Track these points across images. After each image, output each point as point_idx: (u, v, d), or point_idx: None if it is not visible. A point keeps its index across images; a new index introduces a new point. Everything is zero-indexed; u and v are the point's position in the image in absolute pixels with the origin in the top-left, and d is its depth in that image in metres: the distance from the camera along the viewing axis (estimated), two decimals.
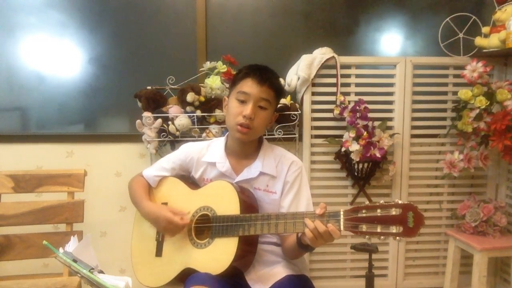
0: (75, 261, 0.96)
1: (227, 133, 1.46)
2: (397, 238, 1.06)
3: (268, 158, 1.41)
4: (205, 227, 1.34)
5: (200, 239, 1.33)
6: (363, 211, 1.09)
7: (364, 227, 1.09)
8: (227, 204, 1.30)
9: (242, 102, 1.33)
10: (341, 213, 1.12)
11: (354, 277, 2.23)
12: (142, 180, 1.51)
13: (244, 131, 1.32)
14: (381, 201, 1.09)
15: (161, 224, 1.34)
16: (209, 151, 1.46)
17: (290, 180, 1.38)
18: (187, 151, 1.49)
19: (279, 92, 1.40)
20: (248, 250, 1.31)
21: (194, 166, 1.47)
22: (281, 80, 2.10)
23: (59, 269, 1.74)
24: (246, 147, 1.41)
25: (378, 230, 1.08)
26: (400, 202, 1.07)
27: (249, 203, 1.34)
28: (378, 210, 1.08)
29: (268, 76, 1.35)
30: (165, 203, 1.45)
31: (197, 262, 1.30)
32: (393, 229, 1.06)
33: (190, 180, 1.50)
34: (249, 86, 1.32)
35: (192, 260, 1.31)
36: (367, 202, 1.12)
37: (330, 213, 1.14)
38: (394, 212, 1.07)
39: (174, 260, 1.35)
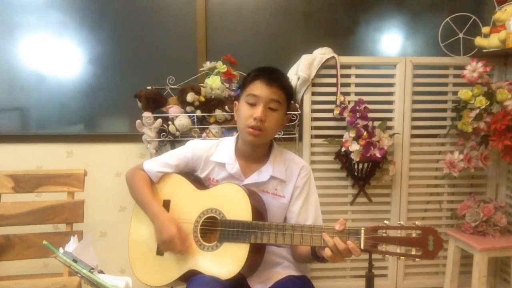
0: (75, 261, 0.96)
1: (238, 134, 1.44)
2: (416, 259, 1.07)
3: (278, 162, 1.39)
4: (211, 230, 1.32)
5: (206, 242, 1.31)
6: (384, 230, 1.09)
7: (384, 247, 1.09)
8: (238, 208, 1.28)
9: (252, 104, 1.31)
10: (362, 231, 1.11)
11: (354, 277, 2.23)
12: (145, 175, 1.45)
13: (255, 134, 1.30)
14: (402, 222, 1.10)
15: (162, 236, 1.30)
16: (218, 151, 1.43)
17: (300, 185, 1.37)
18: (195, 148, 1.45)
19: (290, 93, 1.38)
20: (257, 257, 1.29)
21: (201, 165, 1.43)
22: None
23: (59, 269, 1.74)
24: (257, 150, 1.39)
25: (398, 251, 1.08)
26: (421, 225, 1.08)
27: (259, 208, 1.32)
28: (399, 231, 1.09)
29: (277, 77, 1.33)
30: (168, 201, 1.42)
31: (203, 265, 1.27)
32: (413, 251, 1.07)
33: (193, 178, 1.47)
34: (258, 88, 1.31)
35: (198, 262, 1.29)
36: (386, 221, 1.11)
37: (350, 230, 1.13)
38: (414, 234, 1.07)
39: (177, 261, 1.32)
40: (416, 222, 1.09)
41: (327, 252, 1.13)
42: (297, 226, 1.21)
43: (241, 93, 1.38)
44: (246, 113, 1.31)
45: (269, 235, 1.22)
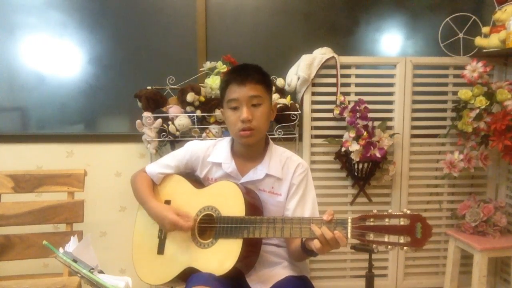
0: (75, 261, 0.96)
1: None
2: (405, 248, 1.06)
3: (274, 160, 1.39)
4: (209, 227, 1.34)
5: (203, 239, 1.32)
6: (371, 219, 1.09)
7: (371, 236, 1.08)
8: (232, 205, 1.30)
9: (235, 108, 1.32)
10: (349, 220, 1.12)
11: (354, 277, 2.23)
12: (146, 177, 1.49)
13: (247, 134, 1.31)
14: (389, 211, 1.09)
15: (166, 227, 1.34)
16: (215, 151, 1.45)
17: (296, 183, 1.37)
18: (193, 149, 1.47)
19: (267, 83, 1.37)
20: (251, 252, 1.30)
21: (199, 165, 1.46)
22: (281, 80, 2.12)
23: (59, 269, 1.74)
24: (253, 149, 1.40)
25: (386, 239, 1.07)
26: (408, 212, 1.07)
27: (254, 204, 1.33)
28: (386, 219, 1.08)
29: (247, 73, 1.32)
30: (169, 201, 1.44)
31: (199, 262, 1.29)
32: (401, 239, 1.06)
33: (193, 178, 1.49)
34: (233, 91, 1.32)
35: (195, 259, 1.31)
36: (375, 210, 1.10)
37: (338, 220, 1.13)
38: (402, 222, 1.07)
39: (176, 259, 1.35)
40: (404, 210, 1.08)
41: (315, 244, 1.14)
42: (287, 219, 1.22)
43: (222, 101, 1.40)
44: (233, 118, 1.33)
45: (261, 229, 1.23)
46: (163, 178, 1.49)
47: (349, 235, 1.11)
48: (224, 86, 1.36)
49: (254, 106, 1.32)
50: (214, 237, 1.30)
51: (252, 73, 1.33)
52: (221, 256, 1.26)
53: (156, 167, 1.49)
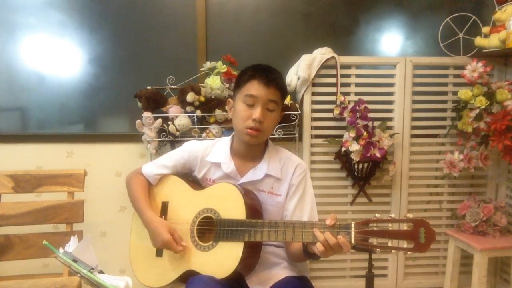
0: (75, 261, 0.96)
1: (233, 133, 1.44)
2: (408, 253, 1.06)
3: (274, 160, 1.39)
4: (208, 229, 1.33)
5: (203, 242, 1.31)
6: (374, 224, 1.09)
7: (375, 241, 1.08)
8: (232, 207, 1.29)
9: (250, 105, 1.31)
10: (352, 225, 1.11)
11: (354, 277, 2.23)
12: (142, 179, 1.47)
13: (254, 134, 1.31)
14: (392, 215, 1.09)
15: (157, 244, 1.32)
16: (214, 151, 1.43)
17: (295, 183, 1.37)
18: (191, 149, 1.46)
19: (285, 92, 1.39)
20: (252, 255, 1.30)
21: (197, 165, 1.44)
22: None
23: (59, 269, 1.74)
24: (252, 149, 1.40)
25: (389, 244, 1.07)
26: (412, 217, 1.07)
27: (254, 207, 1.32)
28: (390, 224, 1.08)
29: (274, 77, 1.33)
30: (166, 202, 1.43)
31: (200, 265, 1.28)
32: (404, 244, 1.06)
33: (191, 179, 1.48)
34: (255, 88, 1.30)
35: (195, 262, 1.30)
36: (377, 214, 1.10)
37: (341, 225, 1.13)
38: (406, 227, 1.07)
39: (175, 262, 1.33)
40: (408, 214, 1.08)
41: (318, 247, 1.12)
42: (289, 223, 1.21)
43: (236, 91, 1.37)
44: (244, 114, 1.31)
45: (262, 233, 1.23)
46: (160, 179, 1.47)
47: (352, 240, 1.10)
48: (246, 79, 1.33)
49: (268, 110, 1.32)
50: (214, 240, 1.29)
51: (278, 78, 1.34)
52: (222, 259, 1.25)
53: (153, 168, 1.47)
